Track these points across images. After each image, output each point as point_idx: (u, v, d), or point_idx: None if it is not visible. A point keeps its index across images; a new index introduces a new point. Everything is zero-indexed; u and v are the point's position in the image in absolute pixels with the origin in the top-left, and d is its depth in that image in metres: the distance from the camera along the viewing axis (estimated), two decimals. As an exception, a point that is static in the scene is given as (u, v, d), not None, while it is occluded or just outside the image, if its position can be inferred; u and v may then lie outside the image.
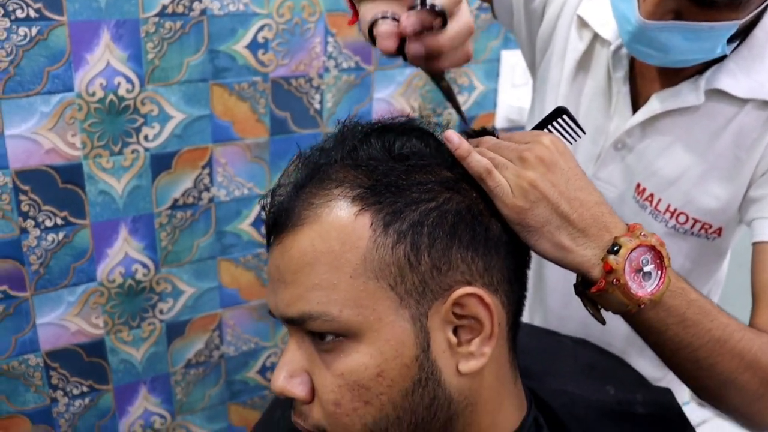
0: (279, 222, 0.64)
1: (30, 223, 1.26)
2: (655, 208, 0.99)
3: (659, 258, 0.66)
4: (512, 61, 1.73)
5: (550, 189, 0.64)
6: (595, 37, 1.03)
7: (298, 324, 0.62)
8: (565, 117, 0.73)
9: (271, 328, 1.63)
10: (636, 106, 1.00)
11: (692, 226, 0.98)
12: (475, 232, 0.62)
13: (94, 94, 1.25)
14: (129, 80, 1.28)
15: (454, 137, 0.66)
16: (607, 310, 0.69)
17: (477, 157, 0.65)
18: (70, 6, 1.18)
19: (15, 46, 1.15)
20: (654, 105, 0.96)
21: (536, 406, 0.76)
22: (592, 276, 0.66)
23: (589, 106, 1.04)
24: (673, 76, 0.96)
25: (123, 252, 1.37)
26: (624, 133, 1.00)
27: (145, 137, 1.33)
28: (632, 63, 1.00)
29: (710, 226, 0.97)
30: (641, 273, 0.66)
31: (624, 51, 1.00)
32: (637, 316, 0.68)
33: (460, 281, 0.61)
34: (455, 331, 0.63)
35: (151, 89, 1.31)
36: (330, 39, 1.46)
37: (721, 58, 0.92)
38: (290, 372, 0.64)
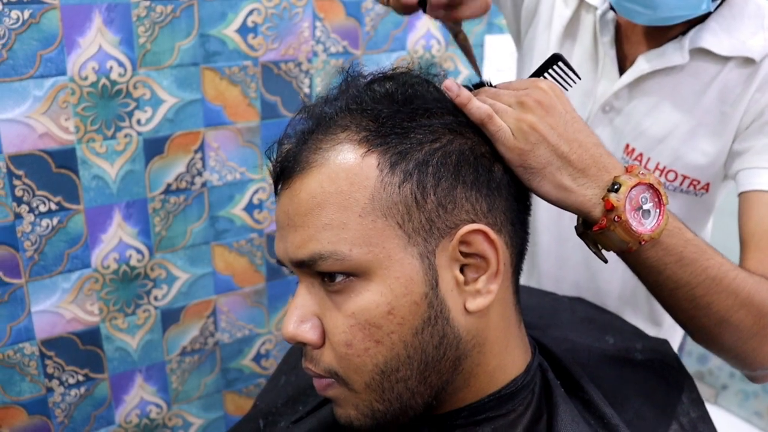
0: (287, 167, 0.65)
1: (24, 208, 1.26)
2: (645, 167, 1.02)
3: (657, 196, 0.68)
4: (497, 46, 1.76)
5: (549, 131, 0.66)
6: (581, 3, 1.06)
7: (308, 266, 0.63)
8: (560, 64, 0.75)
9: (266, 314, 1.63)
10: (623, 69, 1.03)
11: (681, 183, 1.00)
12: (478, 173, 0.64)
13: (86, 78, 1.25)
14: (121, 64, 1.29)
15: (453, 85, 0.68)
16: (608, 249, 0.70)
17: (477, 104, 0.67)
18: (62, -12, 1.19)
19: (7, 30, 1.16)
20: (640, 65, 0.99)
21: (540, 352, 0.78)
22: (593, 215, 0.68)
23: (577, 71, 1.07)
24: (658, 38, 0.99)
25: (117, 237, 1.38)
26: (612, 95, 1.03)
27: (138, 121, 1.33)
28: (618, 27, 1.03)
29: (698, 182, 0.99)
30: (641, 210, 0.68)
31: (610, 15, 1.03)
32: (637, 255, 0.70)
33: (465, 220, 0.63)
34: (462, 270, 0.64)
35: (143, 73, 1.31)
36: (318, 23, 1.48)
37: (704, 18, 0.95)
38: (301, 317, 0.65)
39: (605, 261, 0.72)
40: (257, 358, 1.66)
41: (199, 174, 1.44)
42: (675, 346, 1.17)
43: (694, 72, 0.98)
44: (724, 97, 0.97)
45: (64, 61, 1.23)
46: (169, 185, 1.41)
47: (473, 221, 0.63)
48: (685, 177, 0.99)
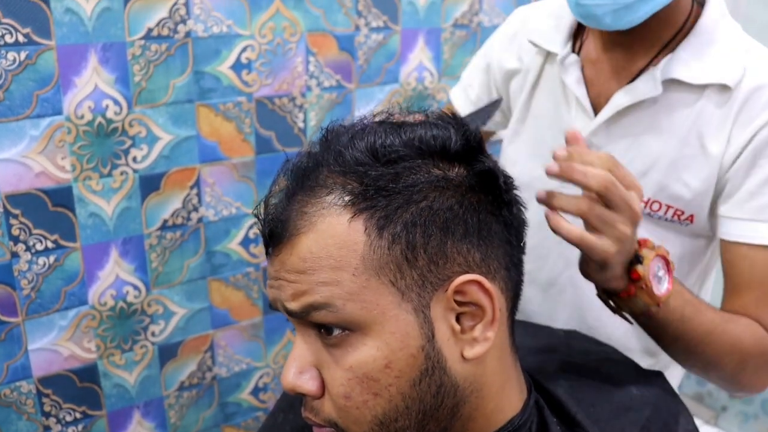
0: (275, 233, 0.65)
1: (21, 247, 1.26)
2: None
3: (667, 264, 0.79)
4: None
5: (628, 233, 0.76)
6: (546, 57, 1.10)
7: (302, 316, 0.63)
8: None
9: (263, 348, 1.63)
10: (597, 110, 1.04)
11: (665, 212, 1.00)
12: (468, 225, 0.64)
13: (82, 116, 1.27)
14: (117, 102, 1.30)
15: (561, 224, 0.77)
16: (630, 312, 0.82)
17: (592, 240, 0.75)
18: (58, 30, 1.21)
19: (4, 71, 1.17)
20: (615, 101, 0.99)
21: (535, 388, 0.78)
22: (618, 286, 0.79)
23: (552, 119, 1.09)
24: (626, 71, 1.00)
25: (114, 274, 1.38)
26: (589, 134, 1.03)
27: (134, 159, 1.34)
28: (584, 70, 1.05)
29: (682, 213, 1.00)
30: (657, 278, 0.78)
31: (572, 58, 1.05)
32: (651, 316, 0.81)
33: (458, 271, 0.63)
34: (458, 319, 0.64)
35: (139, 111, 1.33)
36: (311, 58, 1.49)
37: (674, 47, 0.97)
38: (299, 368, 0.65)
39: (631, 323, 0.84)
40: (255, 391, 1.65)
41: (195, 209, 1.44)
42: (675, 376, 1.17)
43: (669, 103, 0.97)
44: (701, 129, 0.96)
45: (60, 100, 1.24)
46: (165, 221, 1.41)
47: (466, 272, 0.63)
48: (669, 206, 1.00)
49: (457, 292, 0.63)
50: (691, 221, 1.00)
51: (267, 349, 1.64)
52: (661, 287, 0.79)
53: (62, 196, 1.28)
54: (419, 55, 1.66)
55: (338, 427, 0.65)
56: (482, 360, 0.66)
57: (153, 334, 1.46)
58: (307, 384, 0.65)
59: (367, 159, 0.63)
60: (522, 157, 1.13)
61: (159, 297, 1.45)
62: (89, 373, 1.40)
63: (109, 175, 1.32)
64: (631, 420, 0.79)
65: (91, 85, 1.26)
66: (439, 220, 0.62)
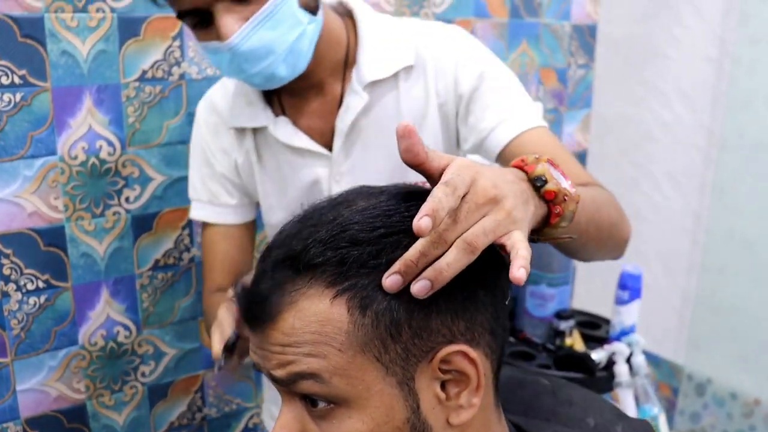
0: (255, 313, 0.64)
1: (11, 286, 1.26)
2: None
3: (551, 162, 0.70)
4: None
5: (512, 211, 0.62)
6: (256, 132, 1.13)
7: (288, 384, 0.63)
8: None
9: (253, 388, 1.62)
10: (329, 146, 1.09)
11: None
12: (452, 297, 0.63)
13: (76, 157, 1.27)
14: (110, 143, 1.31)
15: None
16: (563, 226, 0.71)
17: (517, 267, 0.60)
18: (53, 72, 1.22)
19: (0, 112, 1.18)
20: (340, 128, 1.07)
21: (521, 438, 0.77)
22: (543, 217, 0.69)
23: (292, 179, 1.12)
24: (331, 101, 1.08)
25: (105, 314, 1.38)
26: (336, 167, 1.09)
27: (127, 199, 1.35)
28: (296, 124, 1.10)
29: None
30: (561, 180, 0.70)
31: (281, 120, 1.09)
32: (576, 221, 0.73)
33: (442, 342, 0.62)
34: (443, 385, 0.64)
35: (132, 152, 1.34)
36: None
37: (350, 58, 1.06)
38: None
39: (574, 238, 0.75)
40: None
41: (187, 250, 1.45)
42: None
43: (382, 104, 1.07)
44: (416, 107, 1.07)
45: (54, 141, 1.25)
46: (157, 261, 1.42)
47: (451, 342, 0.62)
48: None
49: (442, 361, 0.62)
50: None
51: (257, 390, 1.63)
52: (568, 183, 0.70)
53: (54, 236, 1.29)
54: None
55: None
56: (467, 424, 0.66)
57: (143, 374, 1.46)
58: None
59: (347, 236, 0.62)
60: (281, 214, 1.15)
61: (150, 337, 1.44)
62: (78, 413, 1.39)
63: (102, 215, 1.33)
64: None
65: (86, 126, 1.27)
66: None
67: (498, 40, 1.85)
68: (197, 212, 1.20)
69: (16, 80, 1.19)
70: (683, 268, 2.06)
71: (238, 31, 0.91)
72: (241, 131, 1.13)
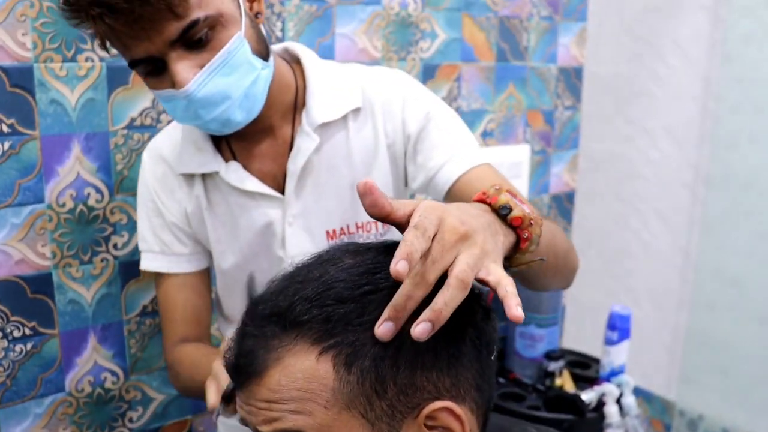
0: (242, 370, 0.64)
1: (-2, 334, 1.26)
2: (360, 230, 1.13)
3: (511, 193, 0.72)
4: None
5: (484, 245, 0.63)
6: (205, 177, 1.13)
7: None
8: None
9: None
10: (281, 189, 1.11)
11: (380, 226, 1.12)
12: (437, 353, 0.63)
13: (64, 204, 1.28)
14: (98, 190, 1.31)
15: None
16: (532, 250, 0.73)
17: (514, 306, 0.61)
18: (42, 121, 1.23)
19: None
20: (291, 171, 1.09)
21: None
22: (512, 244, 0.71)
23: (248, 223, 1.12)
24: (282, 144, 1.10)
25: (92, 361, 1.37)
26: (288, 209, 1.10)
27: (114, 245, 1.35)
28: (247, 168, 1.11)
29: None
30: (524, 206, 0.71)
31: (232, 165, 1.10)
32: (541, 244, 0.74)
33: (428, 398, 0.62)
34: None
35: (120, 199, 1.34)
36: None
37: (299, 102, 1.09)
38: None
39: (544, 260, 0.76)
40: (234, 476, 1.62)
41: (176, 294, 1.44)
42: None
43: (332, 144, 1.09)
44: (365, 148, 1.10)
45: (42, 189, 1.25)
46: (145, 307, 1.41)
47: (436, 398, 0.62)
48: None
49: (427, 417, 0.62)
50: None
51: (247, 433, 1.61)
52: (529, 209, 0.71)
53: (42, 283, 1.29)
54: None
55: None
56: None
57: (131, 420, 1.44)
58: None
59: (332, 294, 0.62)
60: (232, 259, 1.15)
61: (137, 383, 1.44)
62: (64, 461, 1.38)
63: (90, 261, 1.33)
64: None
65: (74, 173, 1.28)
66: (408, 352, 0.61)
67: (485, 83, 1.87)
68: (150, 263, 1.17)
69: (5, 129, 1.20)
70: (673, 305, 2.07)
71: (194, 78, 0.92)
72: (190, 178, 1.14)
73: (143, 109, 1.34)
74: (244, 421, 0.67)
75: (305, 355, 0.61)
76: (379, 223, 1.09)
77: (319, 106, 1.07)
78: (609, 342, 1.64)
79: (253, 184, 1.09)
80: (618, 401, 1.59)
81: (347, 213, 1.12)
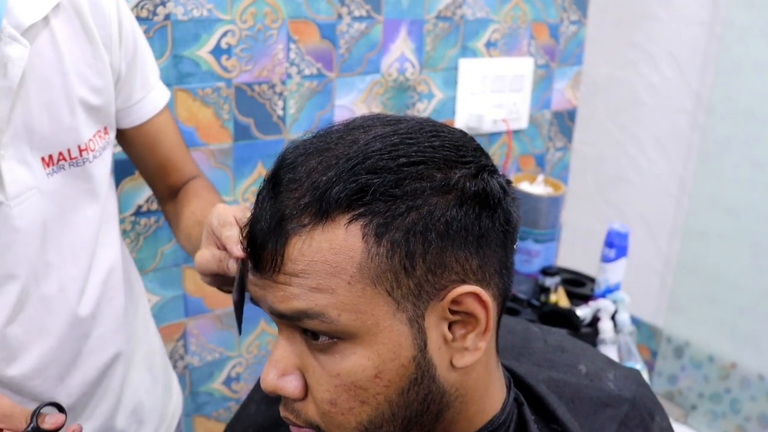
0: (261, 234, 0.61)
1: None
2: (85, 153, 0.94)
3: None
4: (470, 69, 1.77)
5: None
6: None
7: (291, 320, 0.60)
8: None
9: (236, 337, 1.61)
10: None
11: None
12: (468, 232, 0.60)
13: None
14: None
15: None
16: None
17: None
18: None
19: None
20: (8, 85, 0.83)
21: (515, 384, 0.77)
22: None
23: None
24: None
25: (85, 259, 1.35)
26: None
27: (109, 141, 1.32)
28: None
29: (105, 129, 0.98)
30: None
31: None
32: None
33: (455, 281, 0.60)
34: (449, 326, 0.62)
35: (115, 93, 1.30)
36: (292, 45, 1.47)
37: None
38: (282, 370, 0.62)
39: None
40: (227, 381, 1.63)
41: (171, 195, 1.42)
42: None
43: (36, 51, 0.85)
44: (79, 52, 0.90)
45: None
46: (140, 206, 1.39)
47: (463, 281, 0.60)
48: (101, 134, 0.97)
49: (453, 302, 0.60)
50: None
51: (240, 339, 1.61)
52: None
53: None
54: (401, 46, 1.64)
55: (320, 429, 0.63)
56: (471, 367, 0.65)
57: (124, 321, 1.43)
58: (290, 386, 0.62)
59: (368, 166, 0.58)
60: None
61: (131, 284, 1.42)
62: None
63: (83, 157, 1.30)
64: (609, 416, 0.78)
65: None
66: (440, 227, 0.59)
67: (490, -8, 1.83)
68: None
69: None
70: (666, 232, 2.07)
71: None
72: None
73: (139, 1, 1.29)
74: (255, 301, 0.64)
75: (332, 224, 0.58)
76: (107, 144, 0.98)
77: (21, 3, 0.83)
78: (606, 259, 1.64)
79: None
80: (612, 318, 1.59)
81: (66, 134, 0.91)
